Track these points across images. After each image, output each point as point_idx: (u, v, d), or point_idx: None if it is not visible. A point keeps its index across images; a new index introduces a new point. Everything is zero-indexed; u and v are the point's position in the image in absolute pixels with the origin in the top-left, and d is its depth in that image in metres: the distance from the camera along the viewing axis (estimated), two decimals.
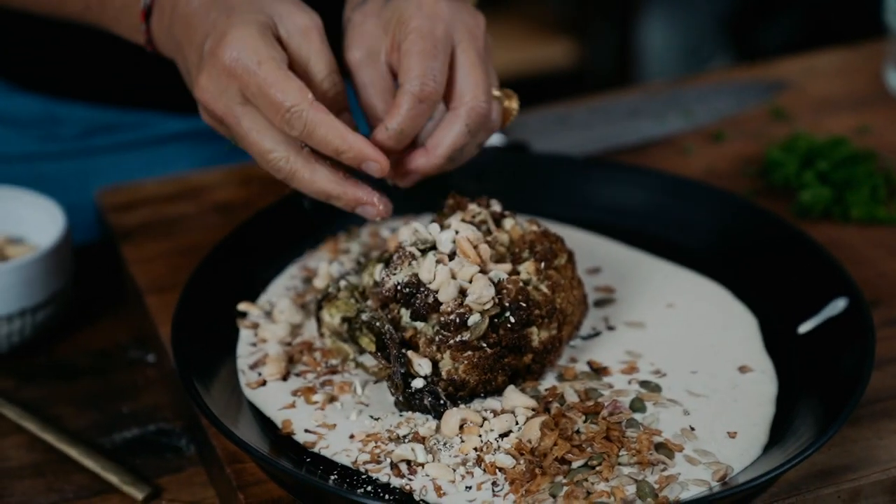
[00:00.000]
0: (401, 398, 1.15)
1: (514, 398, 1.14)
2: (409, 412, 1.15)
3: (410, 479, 1.09)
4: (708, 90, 1.68)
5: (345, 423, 1.15)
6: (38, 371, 1.34)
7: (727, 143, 1.62)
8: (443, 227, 1.19)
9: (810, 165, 1.52)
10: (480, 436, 1.12)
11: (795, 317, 1.25)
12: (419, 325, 1.15)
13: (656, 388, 1.17)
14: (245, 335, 1.25)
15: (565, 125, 1.60)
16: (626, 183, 1.42)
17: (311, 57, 1.20)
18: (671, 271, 1.34)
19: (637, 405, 1.15)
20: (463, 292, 1.14)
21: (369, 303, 1.20)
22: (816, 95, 1.71)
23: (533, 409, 1.14)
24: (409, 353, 1.15)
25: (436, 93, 1.17)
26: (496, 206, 1.23)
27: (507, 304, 1.14)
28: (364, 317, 1.19)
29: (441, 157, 1.20)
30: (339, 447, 1.13)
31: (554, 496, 1.06)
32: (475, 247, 1.16)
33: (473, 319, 1.13)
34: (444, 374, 1.14)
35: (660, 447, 1.10)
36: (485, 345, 1.14)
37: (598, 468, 1.08)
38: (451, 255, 1.16)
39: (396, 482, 1.09)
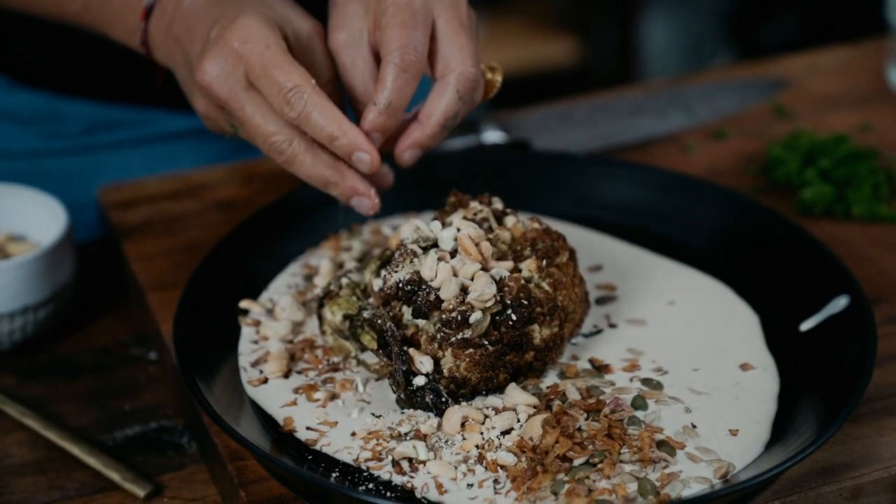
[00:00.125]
0: (402, 396, 1.15)
1: (516, 396, 1.14)
2: (411, 410, 1.16)
3: (412, 477, 1.09)
4: (709, 88, 1.68)
5: (346, 420, 1.15)
6: (40, 368, 1.34)
7: (729, 140, 1.62)
8: (444, 225, 1.19)
9: (812, 163, 1.52)
10: (482, 433, 1.12)
11: (797, 314, 1.25)
12: (421, 322, 1.15)
13: (658, 386, 1.17)
14: (247, 333, 1.25)
15: (567, 123, 1.60)
16: (627, 181, 1.42)
17: (315, 60, 1.21)
18: (673, 269, 1.34)
19: (639, 403, 1.15)
20: (464, 290, 1.14)
21: (371, 300, 1.20)
22: (818, 93, 1.71)
23: (534, 407, 1.14)
24: (411, 351, 1.15)
25: (418, 62, 1.18)
26: (498, 204, 1.23)
27: (508, 302, 1.14)
28: (366, 314, 1.19)
29: (435, 126, 1.20)
30: (341, 445, 1.13)
31: (555, 494, 1.06)
32: (477, 244, 1.16)
33: (475, 317, 1.13)
34: (445, 371, 1.14)
35: (661, 445, 1.10)
36: (486, 342, 1.14)
37: (599, 466, 1.08)
38: (453, 253, 1.16)
39: (398, 480, 1.09)
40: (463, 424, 1.12)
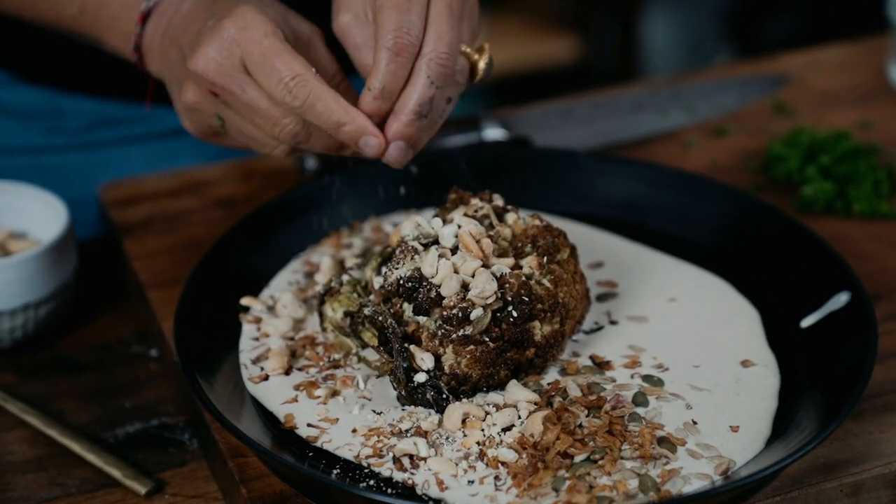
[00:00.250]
0: (403, 392, 1.15)
1: (517, 392, 1.14)
2: (412, 406, 1.16)
3: (413, 474, 1.09)
4: (710, 85, 1.68)
5: (347, 417, 1.15)
6: (41, 366, 1.34)
7: (729, 137, 1.62)
8: (445, 222, 1.19)
9: (812, 160, 1.52)
10: (483, 430, 1.12)
11: (798, 311, 1.25)
12: (422, 319, 1.15)
13: (659, 383, 1.17)
14: (247, 330, 1.25)
15: (568, 120, 1.60)
16: (628, 177, 1.42)
17: (318, 57, 1.20)
18: (673, 265, 1.34)
19: (639, 399, 1.15)
20: (465, 287, 1.14)
21: (372, 297, 1.20)
22: (819, 90, 1.71)
23: (535, 404, 1.14)
24: (412, 348, 1.15)
25: (411, 45, 1.16)
26: (499, 201, 1.23)
27: (509, 299, 1.14)
28: (367, 311, 1.19)
29: (410, 115, 1.17)
30: (342, 441, 1.13)
31: (556, 490, 1.06)
32: (478, 241, 1.16)
33: (476, 314, 1.13)
34: (446, 368, 1.14)
35: (662, 441, 1.10)
36: (487, 339, 1.14)
37: (600, 462, 1.08)
38: (454, 250, 1.16)
39: (399, 476, 1.09)
40: (464, 421, 1.12)
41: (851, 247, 1.40)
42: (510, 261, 1.16)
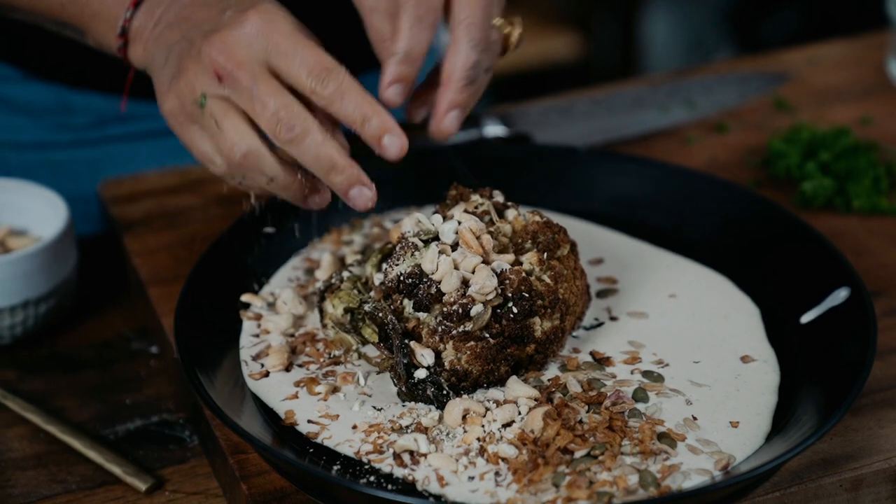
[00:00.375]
0: (404, 389, 1.15)
1: (517, 388, 1.14)
2: (412, 402, 1.16)
3: (413, 470, 1.09)
4: (711, 82, 1.68)
5: (347, 413, 1.15)
6: (41, 363, 1.34)
7: (730, 134, 1.62)
8: (445, 218, 1.19)
9: (812, 156, 1.52)
10: (483, 426, 1.12)
11: (797, 307, 1.26)
12: (422, 315, 1.15)
13: (659, 378, 1.17)
14: (248, 326, 1.25)
15: (568, 116, 1.60)
16: (628, 174, 1.42)
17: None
18: (673, 262, 1.34)
19: (640, 395, 1.15)
20: (466, 283, 1.14)
21: (372, 294, 1.20)
22: (819, 86, 1.71)
23: (536, 400, 1.14)
24: (412, 344, 1.15)
25: (434, 10, 1.16)
26: (499, 197, 1.24)
27: (509, 295, 1.14)
28: (367, 308, 1.19)
29: (460, 80, 1.18)
30: (342, 437, 1.13)
31: (557, 486, 1.07)
32: (478, 237, 1.16)
33: (476, 310, 1.13)
34: (446, 364, 1.14)
35: (662, 437, 1.11)
36: (487, 335, 1.14)
37: (600, 458, 1.08)
38: (454, 246, 1.16)
39: (399, 472, 1.09)
40: (464, 417, 1.13)
41: (851, 243, 1.40)
42: (510, 257, 1.17)
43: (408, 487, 1.08)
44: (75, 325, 1.39)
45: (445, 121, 1.19)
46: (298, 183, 1.17)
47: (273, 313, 1.26)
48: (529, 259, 1.17)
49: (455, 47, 1.18)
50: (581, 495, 1.05)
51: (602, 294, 1.29)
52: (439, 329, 1.14)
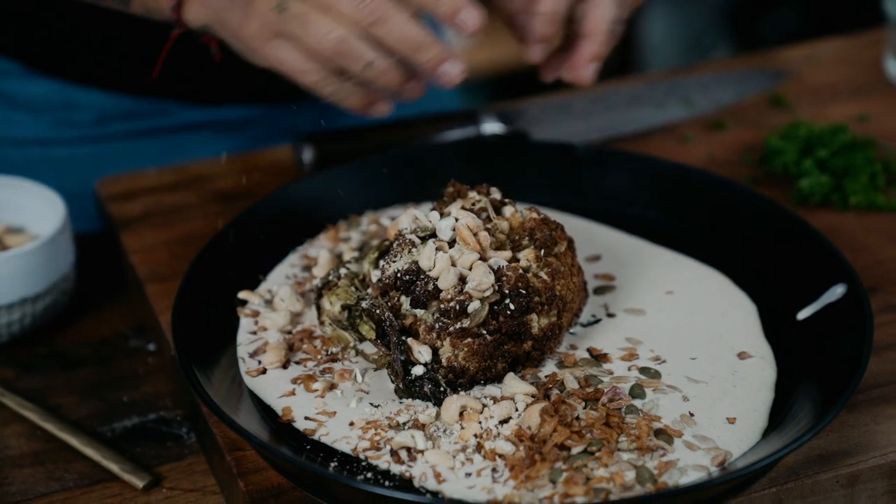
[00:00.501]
0: (401, 385, 1.15)
1: (514, 385, 1.15)
2: (409, 399, 1.16)
3: (410, 466, 1.09)
4: (708, 79, 1.68)
5: (345, 410, 1.15)
6: (39, 360, 1.34)
7: (727, 131, 1.62)
8: (442, 215, 1.19)
9: (810, 153, 1.53)
10: (480, 423, 1.12)
11: (794, 303, 1.26)
12: (419, 312, 1.15)
13: (656, 375, 1.17)
14: (245, 323, 1.25)
15: (566, 113, 1.60)
16: (626, 171, 1.43)
17: None
18: (671, 258, 1.34)
19: (637, 391, 1.15)
20: (463, 279, 1.14)
21: (369, 290, 1.20)
22: (816, 84, 1.72)
23: (533, 396, 1.14)
24: (409, 341, 1.15)
25: None
26: (496, 194, 1.24)
27: (506, 292, 1.14)
28: (364, 304, 1.19)
29: (604, 34, 1.29)
30: (339, 434, 1.13)
31: (553, 482, 1.07)
32: (475, 234, 1.16)
33: (473, 306, 1.13)
34: (444, 361, 1.14)
35: (659, 433, 1.11)
36: (485, 332, 1.14)
37: (597, 454, 1.08)
38: (451, 243, 1.16)
39: (396, 469, 1.09)
40: (461, 414, 1.13)
41: (848, 239, 1.41)
42: (507, 254, 1.17)
43: (405, 484, 1.08)
44: (73, 322, 1.39)
45: (587, 71, 1.32)
46: (394, 66, 1.20)
47: (270, 310, 1.26)
48: (526, 256, 1.17)
49: (598, 3, 1.28)
50: (578, 491, 1.05)
51: (599, 291, 1.29)
52: (436, 326, 1.14)
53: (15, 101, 1.58)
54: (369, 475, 1.09)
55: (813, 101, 1.68)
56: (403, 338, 1.15)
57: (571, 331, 1.23)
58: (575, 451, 1.09)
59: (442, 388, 1.14)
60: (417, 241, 1.17)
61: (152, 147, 1.61)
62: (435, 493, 1.07)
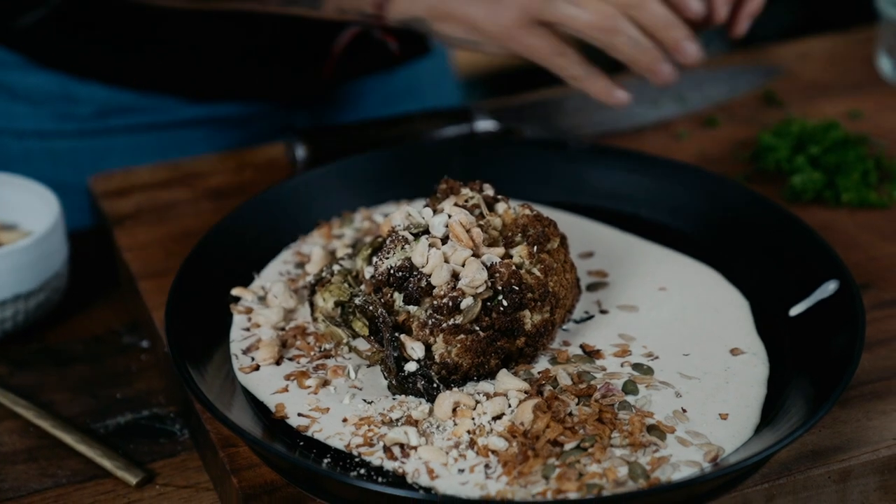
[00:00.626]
0: (394, 382, 1.16)
1: (507, 381, 1.15)
2: (403, 395, 1.16)
3: (403, 462, 1.09)
4: (701, 76, 1.68)
5: (338, 406, 1.15)
6: (32, 357, 1.34)
7: (720, 128, 1.62)
8: (435, 212, 1.19)
9: (802, 150, 1.53)
10: (473, 419, 1.12)
11: (787, 299, 1.26)
12: (412, 308, 1.15)
13: (648, 371, 1.18)
14: (238, 320, 1.25)
15: (559, 111, 1.60)
16: (618, 167, 1.43)
17: None
18: (663, 255, 1.34)
19: (629, 388, 1.15)
20: (456, 276, 1.14)
21: (362, 287, 1.20)
22: (808, 81, 1.72)
23: (526, 392, 1.14)
24: (403, 337, 1.15)
25: None
26: (489, 191, 1.24)
27: (499, 288, 1.14)
28: (357, 301, 1.19)
29: None
30: (332, 431, 1.13)
31: (546, 478, 1.07)
32: (468, 231, 1.16)
33: (466, 303, 1.13)
34: (437, 357, 1.14)
35: (652, 429, 1.11)
36: (477, 328, 1.14)
37: (590, 450, 1.08)
38: (444, 239, 1.16)
39: (389, 465, 1.09)
40: (454, 410, 1.13)
41: (840, 236, 1.41)
42: (500, 250, 1.17)
43: (398, 480, 1.08)
44: (66, 319, 1.39)
45: (743, 25, 1.43)
46: (652, 45, 1.35)
47: (264, 307, 1.26)
48: (519, 252, 1.17)
49: None
50: (571, 487, 1.05)
51: (592, 287, 1.29)
52: (429, 322, 1.14)
53: (15, 92, 1.58)
54: (362, 471, 1.09)
55: (805, 98, 1.68)
56: (396, 334, 1.15)
57: (564, 327, 1.23)
58: (568, 447, 1.09)
59: (435, 385, 1.14)
60: (410, 237, 1.17)
61: (151, 142, 1.61)
62: (428, 490, 1.07)
